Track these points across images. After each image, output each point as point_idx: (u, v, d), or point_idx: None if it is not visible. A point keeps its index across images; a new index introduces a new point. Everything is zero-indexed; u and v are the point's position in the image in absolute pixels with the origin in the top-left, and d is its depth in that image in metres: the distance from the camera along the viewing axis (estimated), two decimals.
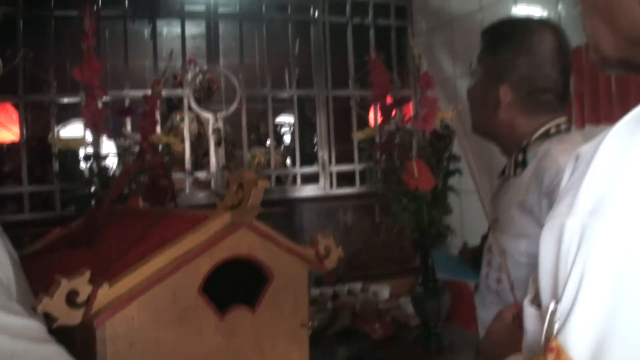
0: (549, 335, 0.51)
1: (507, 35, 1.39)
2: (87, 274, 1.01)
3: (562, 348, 0.50)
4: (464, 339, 2.03)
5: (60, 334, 0.96)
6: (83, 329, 1.03)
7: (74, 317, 0.99)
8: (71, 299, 0.99)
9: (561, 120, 1.36)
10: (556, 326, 0.51)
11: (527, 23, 1.43)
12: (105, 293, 1.02)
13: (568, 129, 1.37)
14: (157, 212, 1.36)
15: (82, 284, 1.00)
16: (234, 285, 1.30)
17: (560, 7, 2.17)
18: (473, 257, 1.71)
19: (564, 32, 1.38)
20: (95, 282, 1.02)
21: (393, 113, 2.18)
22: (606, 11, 0.64)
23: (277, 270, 1.29)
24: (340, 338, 2.11)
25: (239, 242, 1.23)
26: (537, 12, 2.29)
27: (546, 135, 1.34)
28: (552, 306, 0.52)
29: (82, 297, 1.00)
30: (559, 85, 1.36)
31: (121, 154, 2.14)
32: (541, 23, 1.44)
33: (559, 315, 0.51)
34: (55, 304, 0.97)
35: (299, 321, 1.34)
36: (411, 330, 2.22)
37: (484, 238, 1.70)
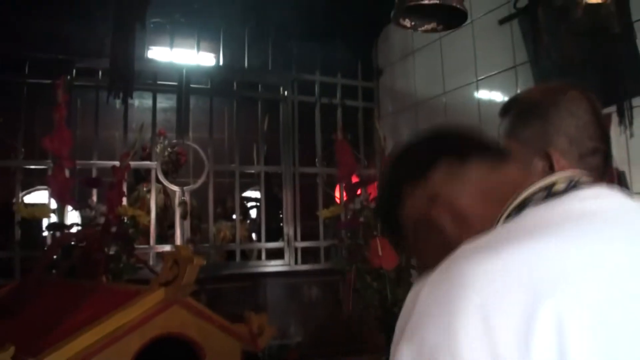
0: None
1: (543, 101, 1.29)
2: (12, 350, 0.97)
3: None
4: None
5: None
6: None
7: None
8: None
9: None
10: None
11: (557, 87, 1.31)
12: None
13: None
14: (88, 285, 1.34)
15: None
16: None
17: (519, 92, 2.27)
18: None
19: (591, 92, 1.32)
20: (19, 358, 0.97)
21: (358, 192, 2.21)
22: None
23: (209, 348, 1.28)
24: None
25: (171, 320, 1.22)
26: (498, 96, 2.41)
27: None
28: None
29: None
30: (605, 145, 1.28)
31: (85, 224, 2.12)
32: (570, 86, 1.32)
33: None
34: None
35: None
36: None
37: None
